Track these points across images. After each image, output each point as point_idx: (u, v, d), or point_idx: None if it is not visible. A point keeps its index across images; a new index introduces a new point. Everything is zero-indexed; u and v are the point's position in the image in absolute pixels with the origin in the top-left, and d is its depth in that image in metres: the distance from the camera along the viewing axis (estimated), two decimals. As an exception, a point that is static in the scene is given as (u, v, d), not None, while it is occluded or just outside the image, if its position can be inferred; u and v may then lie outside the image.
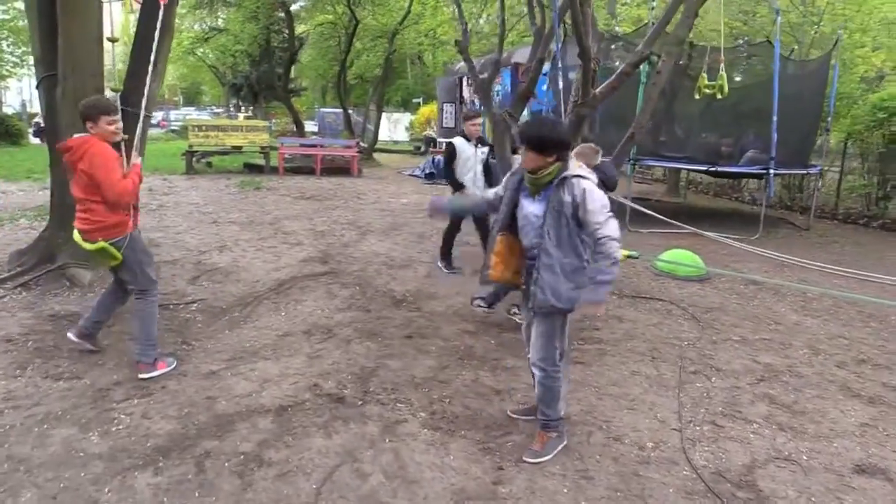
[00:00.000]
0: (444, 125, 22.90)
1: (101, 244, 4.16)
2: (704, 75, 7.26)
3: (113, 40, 6.32)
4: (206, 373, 4.33)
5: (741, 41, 15.00)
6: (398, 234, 8.95)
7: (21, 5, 23.55)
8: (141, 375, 4.20)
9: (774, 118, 9.45)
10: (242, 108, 36.93)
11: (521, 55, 17.14)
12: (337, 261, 7.29)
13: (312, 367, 4.50)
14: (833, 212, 12.68)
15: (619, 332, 5.56)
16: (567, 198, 3.24)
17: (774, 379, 4.73)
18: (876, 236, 10.91)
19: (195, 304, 5.75)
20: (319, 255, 7.50)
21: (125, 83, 6.48)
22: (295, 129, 20.56)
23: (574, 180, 3.25)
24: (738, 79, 11.93)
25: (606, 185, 5.10)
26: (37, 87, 6.56)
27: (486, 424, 3.86)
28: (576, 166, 3.34)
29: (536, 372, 3.58)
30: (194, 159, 14.96)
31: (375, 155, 20.32)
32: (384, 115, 24.87)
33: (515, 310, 5.78)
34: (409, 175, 16.54)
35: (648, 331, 5.61)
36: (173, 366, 4.38)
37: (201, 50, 28.39)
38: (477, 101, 20.25)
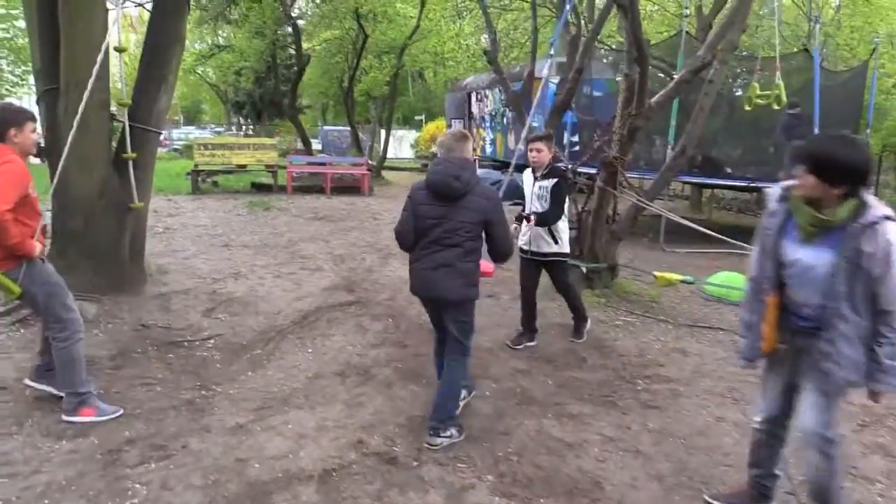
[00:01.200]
0: (453, 142, 22.38)
1: None
2: (756, 84, 6.75)
3: (121, 50, 5.80)
4: (232, 427, 3.74)
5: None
6: (422, 258, 8.37)
7: (22, 24, 23.14)
8: (63, 417, 3.69)
9: (816, 130, 8.93)
10: (244, 126, 36.53)
11: (538, 69, 16.68)
12: (363, 288, 6.70)
13: (353, 418, 3.91)
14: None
15: (686, 368, 4.98)
16: (869, 248, 2.49)
17: (878, 424, 4.15)
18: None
19: (212, 341, 5.16)
20: (343, 282, 6.91)
21: (133, 98, 5.95)
22: (300, 147, 20.04)
23: (882, 226, 2.48)
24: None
25: None
26: (37, 103, 6.01)
27: (566, 489, 3.27)
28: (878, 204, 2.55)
29: (814, 441, 2.80)
30: (200, 179, 14.40)
31: (383, 173, 19.78)
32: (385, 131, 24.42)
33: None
34: (421, 193, 15.98)
35: (719, 367, 5.03)
36: (110, 416, 3.75)
37: (201, 68, 27.96)
38: (486, 117, 19.79)
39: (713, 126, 11.06)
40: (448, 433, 3.65)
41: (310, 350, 5.05)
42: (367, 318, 5.75)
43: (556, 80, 15.55)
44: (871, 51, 10.44)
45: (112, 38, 5.34)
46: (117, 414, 3.78)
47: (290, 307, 5.95)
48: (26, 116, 3.58)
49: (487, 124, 19.84)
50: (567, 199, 5.17)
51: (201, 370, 4.62)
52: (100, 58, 5.00)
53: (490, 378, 4.61)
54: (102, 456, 3.35)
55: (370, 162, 17.66)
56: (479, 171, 16.11)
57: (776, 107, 6.91)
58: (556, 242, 5.14)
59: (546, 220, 5.07)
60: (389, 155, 22.07)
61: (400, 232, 3.82)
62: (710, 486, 3.35)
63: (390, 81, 19.41)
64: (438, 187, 3.63)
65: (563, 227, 5.14)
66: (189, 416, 3.85)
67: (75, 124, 5.35)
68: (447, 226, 3.63)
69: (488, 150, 19.86)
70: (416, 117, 38.86)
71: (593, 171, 8.98)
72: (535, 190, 5.17)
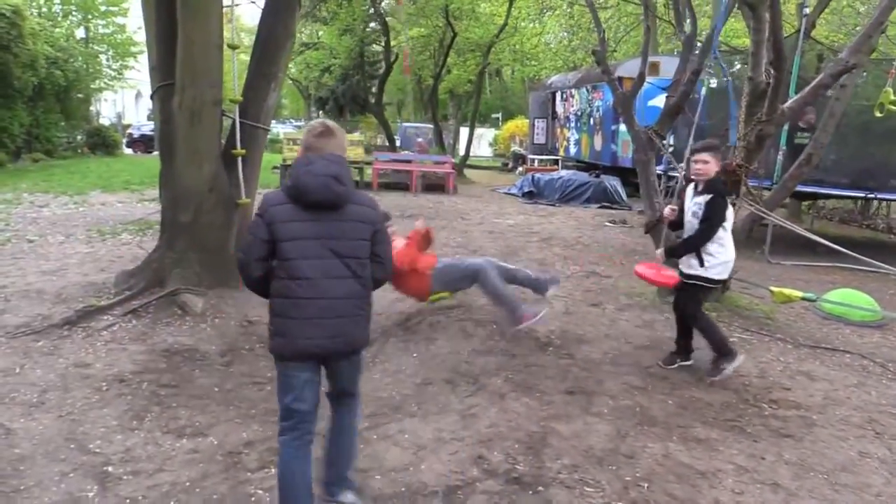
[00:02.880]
0: (536, 141, 22.14)
1: None
2: (889, 90, 6.25)
3: (234, 47, 5.84)
4: (347, 433, 3.64)
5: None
6: (517, 261, 8.15)
7: (121, 20, 24.18)
8: None
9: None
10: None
11: (627, 69, 16.22)
12: (463, 292, 6.56)
13: (469, 430, 3.76)
14: None
15: (815, 393, 4.62)
16: None
17: None
18: None
19: (316, 340, 5.12)
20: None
21: (243, 94, 5.98)
22: (386, 143, 20.17)
23: None
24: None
25: None
26: (151, 97, 6.13)
27: (706, 525, 3.02)
28: None
29: None
30: (288, 173, 14.64)
31: (465, 171, 19.70)
32: (464, 129, 24.32)
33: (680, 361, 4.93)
34: (505, 193, 15.79)
35: (853, 394, 4.64)
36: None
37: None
38: (571, 117, 19.40)
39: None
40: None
41: (415, 355, 4.94)
42: (471, 324, 5.59)
43: (654, 80, 15.08)
44: None
45: (227, 34, 5.39)
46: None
47: (391, 308, 5.86)
48: None
49: (572, 124, 19.46)
50: (723, 220, 4.52)
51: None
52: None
53: (605, 394, 4.38)
54: (223, 457, 3.32)
55: (453, 160, 17.60)
56: (565, 173, 15.80)
57: (911, 115, 6.41)
58: (701, 265, 4.57)
59: (682, 248, 4.68)
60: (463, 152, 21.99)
61: (244, 262, 2.79)
62: (866, 531, 3.04)
63: (475, 79, 19.28)
64: (314, 193, 2.68)
65: (714, 249, 4.55)
66: (303, 419, 3.79)
67: (189, 119, 5.43)
68: (334, 246, 2.73)
69: (572, 150, 19.49)
70: (493, 115, 38.68)
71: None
72: (691, 206, 4.65)
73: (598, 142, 17.58)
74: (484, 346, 5.15)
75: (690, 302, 4.75)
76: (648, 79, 16.09)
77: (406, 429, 3.73)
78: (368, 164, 15.59)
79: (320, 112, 34.12)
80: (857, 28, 16.78)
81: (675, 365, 4.90)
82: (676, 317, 4.97)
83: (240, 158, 5.85)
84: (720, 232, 4.52)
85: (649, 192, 6.68)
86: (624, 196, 14.45)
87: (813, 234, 6.50)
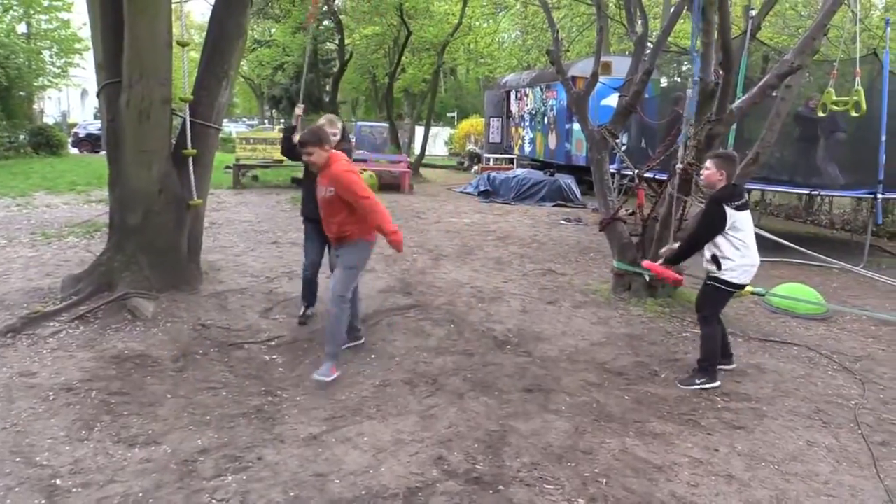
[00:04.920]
0: (491, 140, 22.24)
1: None
2: (832, 90, 6.46)
3: (184, 44, 5.71)
4: (305, 437, 3.60)
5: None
6: (474, 260, 8.20)
7: (65, 15, 23.41)
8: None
9: (883, 137, 8.59)
10: (277, 120, 36.63)
11: (580, 68, 16.41)
12: (420, 291, 6.55)
13: (429, 431, 3.75)
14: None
15: (766, 385, 4.74)
16: None
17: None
18: None
19: (273, 342, 5.05)
20: (398, 284, 6.76)
21: (194, 93, 5.85)
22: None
23: None
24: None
25: None
26: (97, 95, 5.94)
27: (663, 518, 3.07)
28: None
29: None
30: (241, 173, 14.38)
31: (421, 170, 19.66)
32: (420, 128, 24.28)
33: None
34: (462, 192, 15.80)
35: (801, 385, 4.78)
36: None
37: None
38: (526, 116, 19.55)
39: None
40: None
41: (373, 356, 4.91)
42: (428, 324, 5.59)
43: (606, 80, 15.27)
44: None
45: (176, 32, 5.25)
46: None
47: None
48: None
49: (527, 123, 19.61)
50: (716, 227, 4.49)
51: (265, 374, 4.50)
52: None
53: (563, 391, 4.43)
54: (177, 466, 3.24)
55: (408, 159, 17.54)
56: (521, 171, 15.89)
57: (854, 114, 6.60)
58: (718, 268, 4.55)
59: (676, 255, 4.78)
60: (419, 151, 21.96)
61: None
62: (815, 519, 3.13)
63: (430, 78, 19.25)
64: None
65: (731, 252, 4.50)
66: (260, 424, 3.73)
67: (137, 118, 5.29)
68: None
69: (527, 149, 19.63)
70: (449, 114, 38.75)
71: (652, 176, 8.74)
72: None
73: (552, 140, 17.75)
74: (442, 345, 5.15)
75: (705, 300, 4.74)
76: (601, 78, 16.34)
77: (365, 431, 3.70)
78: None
79: (273, 111, 33.68)
80: (801, 30, 17.33)
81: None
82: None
83: (191, 158, 5.73)
84: (738, 235, 4.47)
85: (603, 191, 6.77)
86: (578, 194, 14.61)
87: (760, 229, 6.67)
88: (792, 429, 4.08)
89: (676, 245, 4.90)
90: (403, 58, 19.33)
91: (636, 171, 6.38)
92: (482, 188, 15.03)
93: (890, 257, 10.07)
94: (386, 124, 22.25)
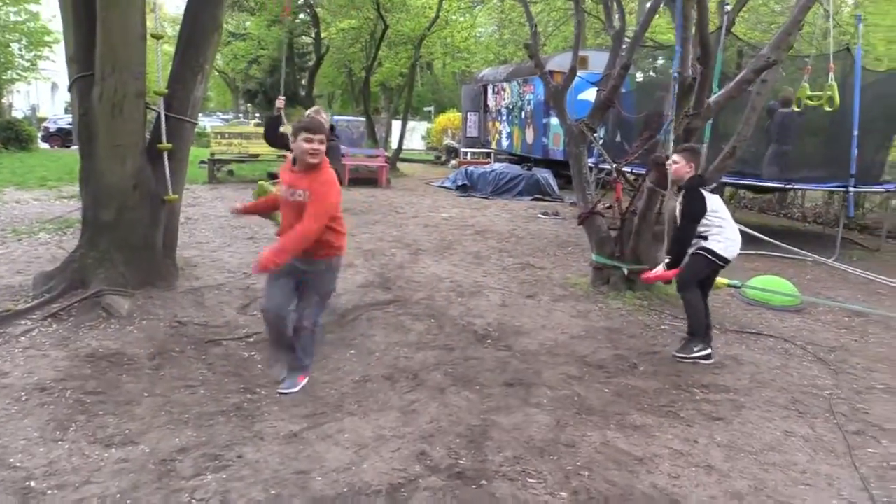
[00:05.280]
0: (468, 134, 22.22)
1: None
2: (806, 85, 6.54)
3: (158, 37, 5.61)
4: (286, 434, 3.56)
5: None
6: (452, 254, 8.19)
7: (34, 7, 22.91)
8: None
9: (855, 132, 8.71)
10: (252, 115, 36.28)
11: (557, 63, 16.45)
12: (399, 286, 6.52)
13: (410, 427, 3.73)
14: (893, 232, 11.89)
15: (743, 377, 4.80)
16: None
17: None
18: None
19: (251, 338, 5.00)
20: (377, 279, 6.73)
21: (169, 86, 5.76)
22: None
23: None
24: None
25: None
26: (69, 89, 5.81)
27: (645, 509, 3.09)
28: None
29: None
30: (216, 168, 14.21)
31: (398, 164, 19.60)
32: (397, 122, 24.18)
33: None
34: (439, 186, 15.78)
35: (777, 376, 4.84)
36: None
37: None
38: (503, 110, 19.55)
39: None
40: None
41: (353, 351, 4.88)
42: (408, 318, 5.57)
43: (583, 74, 15.31)
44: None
45: (150, 24, 5.16)
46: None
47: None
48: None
49: (504, 117, 19.62)
50: (702, 211, 4.68)
51: (243, 371, 4.45)
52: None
53: (544, 385, 4.43)
54: (155, 466, 3.18)
55: (385, 153, 17.47)
56: (498, 166, 15.90)
57: (828, 108, 6.69)
58: (705, 239, 4.77)
59: (674, 248, 4.82)
60: (395, 145, 21.88)
61: None
62: (794, 508, 3.17)
63: (406, 72, 19.17)
64: None
65: (715, 232, 4.73)
66: (239, 422, 3.68)
67: (110, 112, 5.20)
68: None
69: (504, 143, 19.65)
70: (426, 108, 38.64)
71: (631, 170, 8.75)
72: (676, 206, 4.88)
73: (529, 135, 17.78)
74: (422, 340, 5.13)
75: (689, 269, 4.83)
76: (578, 73, 16.38)
77: (346, 427, 3.67)
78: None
79: (248, 105, 33.33)
80: (773, 25, 17.53)
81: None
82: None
83: (166, 153, 5.64)
84: (717, 215, 4.71)
85: (581, 185, 6.79)
86: (556, 188, 14.66)
87: (736, 223, 6.74)
88: (769, 419, 4.13)
89: (666, 260, 4.94)
90: (380, 52, 19.24)
91: (614, 166, 6.41)
92: (460, 182, 15.02)
93: (861, 250, 10.24)
94: (363, 118, 22.14)
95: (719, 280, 5.86)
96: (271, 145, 5.60)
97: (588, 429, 3.86)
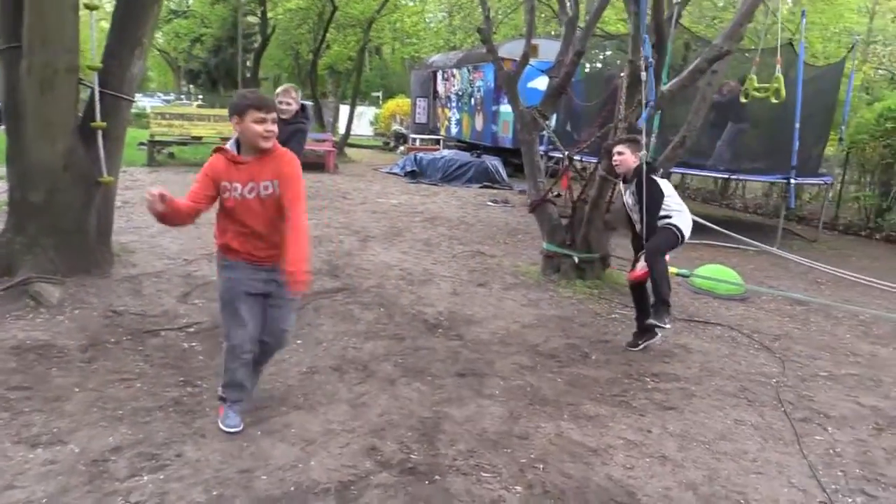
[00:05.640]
0: (417, 121, 22.02)
1: None
2: (753, 77, 6.61)
3: (92, 7, 5.29)
4: (228, 431, 3.39)
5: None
6: (402, 241, 8.05)
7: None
8: None
9: (797, 125, 8.90)
10: (195, 96, 35.16)
11: (507, 50, 16.39)
12: (347, 274, 6.35)
13: (360, 421, 3.60)
14: (833, 223, 12.30)
15: (693, 366, 4.83)
16: None
17: (895, 428, 4.06)
18: (886, 249, 10.52)
19: (191, 329, 4.77)
20: (325, 266, 6.54)
21: (103, 61, 5.43)
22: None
23: None
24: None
25: None
26: (-8, 62, 5.42)
27: (601, 500, 3.05)
28: None
29: None
30: (156, 150, 13.67)
31: (346, 150, 19.27)
32: (345, 107, 23.74)
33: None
34: (388, 172, 15.58)
35: (726, 364, 4.89)
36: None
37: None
38: (452, 97, 19.43)
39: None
40: None
41: (299, 341, 4.70)
42: (357, 307, 5.42)
43: (533, 62, 15.25)
44: (850, 48, 10.48)
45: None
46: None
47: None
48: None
49: (453, 104, 19.49)
50: (660, 195, 4.73)
51: (183, 363, 4.23)
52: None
53: (496, 375, 4.36)
54: (86, 467, 2.97)
55: (332, 138, 17.14)
56: (448, 152, 15.78)
57: (774, 100, 6.79)
58: (668, 217, 4.78)
59: (649, 234, 4.78)
60: (344, 129, 21.53)
61: None
62: (746, 495, 3.17)
63: (355, 56, 18.82)
64: None
65: (670, 209, 4.78)
66: (178, 418, 3.48)
67: (39, 87, 4.88)
68: None
69: (454, 130, 19.54)
70: (374, 94, 38.18)
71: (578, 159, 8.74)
72: (626, 196, 4.93)
73: (478, 122, 17.71)
74: (371, 330, 4.99)
75: (661, 239, 4.77)
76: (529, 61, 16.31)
77: (292, 422, 3.52)
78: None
79: (191, 86, 32.31)
80: (717, 21, 17.87)
81: (641, 346, 5.00)
82: (634, 297, 5.12)
83: (100, 132, 5.32)
84: (671, 203, 4.75)
85: (533, 172, 6.73)
86: (505, 176, 14.65)
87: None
88: (720, 408, 4.15)
89: (642, 261, 4.90)
90: (328, 34, 18.82)
91: (565, 154, 6.37)
92: (409, 169, 14.86)
93: (800, 240, 10.53)
94: (310, 102, 21.65)
95: (669, 269, 5.90)
96: None
97: (542, 420, 3.80)
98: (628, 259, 7.30)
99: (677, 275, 6.05)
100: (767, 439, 3.78)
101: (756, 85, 6.59)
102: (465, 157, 14.89)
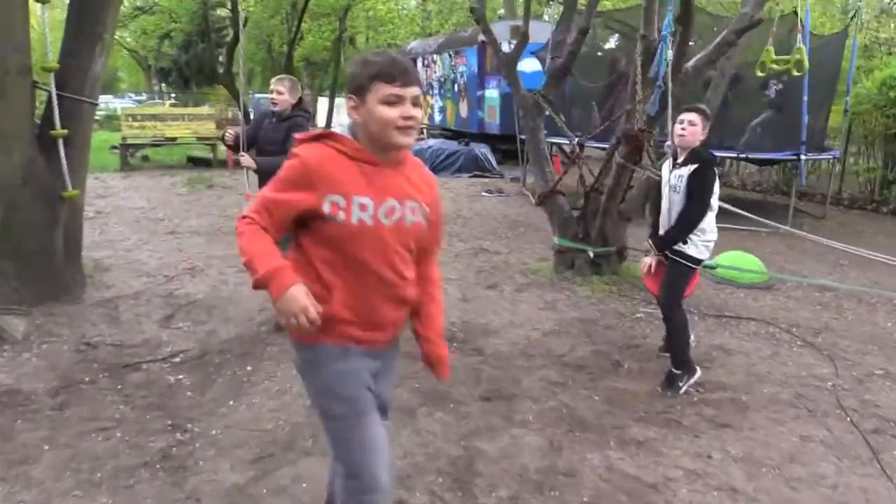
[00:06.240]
0: (399, 110, 21.37)
1: None
2: (771, 48, 6.14)
3: (43, 1, 4.69)
4: (228, 490, 2.87)
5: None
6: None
7: None
8: None
9: (805, 98, 8.45)
10: (168, 94, 34.28)
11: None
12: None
13: (381, 465, 3.09)
14: (837, 197, 11.91)
15: (737, 370, 4.36)
16: None
17: None
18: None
19: (177, 359, 4.23)
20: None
21: (60, 61, 4.83)
22: (238, 117, 18.62)
23: None
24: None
25: None
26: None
27: (675, 556, 2.57)
28: None
29: None
30: (129, 153, 13.01)
31: (326, 144, 18.62)
32: (323, 100, 23.08)
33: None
34: (373, 166, 14.97)
35: (772, 367, 4.43)
36: None
37: (117, 34, 25.72)
38: (434, 84, 18.85)
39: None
40: None
41: (300, 367, 4.17)
42: (361, 322, 4.90)
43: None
44: (852, 16, 10.06)
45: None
46: None
47: (264, 313, 5.00)
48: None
49: (436, 91, 18.90)
50: (713, 195, 3.85)
51: (169, 401, 3.70)
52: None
53: (526, 396, 3.87)
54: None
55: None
56: (434, 142, 15.22)
57: (796, 73, 6.33)
58: (685, 243, 3.87)
59: (674, 237, 3.88)
60: (323, 124, 20.89)
61: None
62: (839, 537, 2.72)
63: (332, 46, 18.17)
64: None
65: (705, 222, 3.86)
66: (167, 477, 2.96)
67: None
68: None
69: (437, 118, 18.97)
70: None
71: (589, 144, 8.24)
72: (670, 179, 3.89)
73: (463, 108, 17.15)
74: (381, 348, 4.47)
75: (674, 285, 3.98)
76: (511, 42, 15.75)
77: (303, 475, 3.00)
78: (222, 140, 14.19)
79: (162, 85, 31.41)
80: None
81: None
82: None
83: (61, 140, 4.74)
84: (714, 204, 3.90)
85: (540, 161, 6.24)
86: (494, 163, 14.15)
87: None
88: (780, 422, 3.69)
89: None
90: (303, 24, 18.14)
91: (576, 140, 5.88)
92: (396, 161, 14.28)
93: (809, 217, 10.13)
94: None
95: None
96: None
97: (586, 450, 3.32)
98: (645, 252, 6.81)
99: (704, 268, 5.59)
100: (842, 458, 3.33)
101: (774, 56, 6.12)
102: (453, 145, 14.35)
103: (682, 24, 4.43)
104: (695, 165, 3.79)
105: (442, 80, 18.39)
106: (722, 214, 4.19)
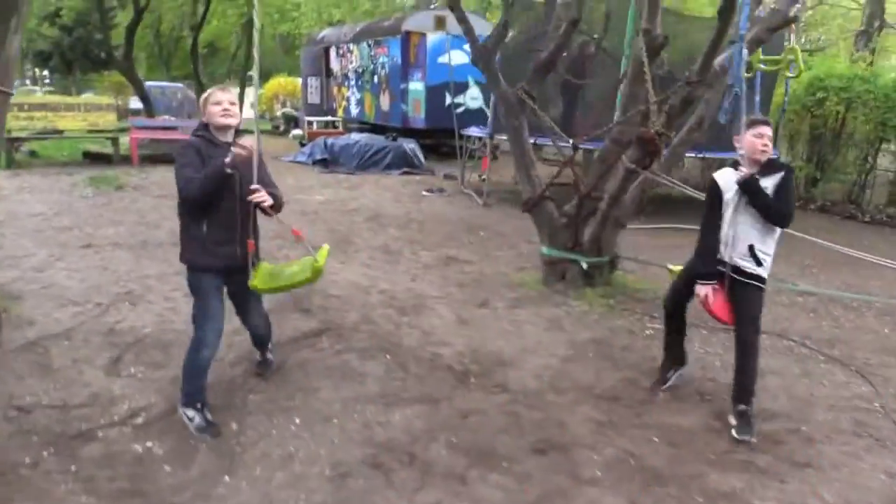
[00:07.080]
0: (310, 101, 20.33)
1: None
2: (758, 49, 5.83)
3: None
4: None
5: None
6: (356, 251, 6.76)
7: None
8: None
9: (757, 98, 8.36)
10: (42, 82, 31.32)
11: (415, 23, 15.18)
12: (319, 306, 5.04)
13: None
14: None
15: (779, 395, 4.01)
16: None
17: None
18: (824, 220, 10.35)
19: (139, 418, 3.37)
20: (285, 295, 5.12)
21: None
22: (131, 106, 16.96)
23: None
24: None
25: None
26: None
27: None
28: None
29: None
30: (14, 147, 11.38)
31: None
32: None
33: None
34: (292, 162, 13.96)
35: (812, 389, 4.12)
36: None
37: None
38: (350, 74, 17.96)
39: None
40: None
41: (297, 420, 3.43)
42: (355, 357, 4.16)
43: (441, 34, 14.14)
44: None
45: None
46: None
47: (234, 348, 4.15)
48: None
49: (352, 82, 17.99)
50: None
51: (145, 483, 2.87)
52: None
53: (580, 445, 3.31)
54: None
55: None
56: (360, 137, 14.35)
57: (789, 75, 6.09)
58: (759, 264, 3.51)
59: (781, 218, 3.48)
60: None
61: None
62: None
63: (239, 31, 16.89)
64: None
65: (770, 244, 3.55)
66: None
67: None
68: None
69: (354, 111, 18.06)
70: (249, 73, 35.55)
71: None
72: (738, 201, 3.47)
73: (384, 101, 16.38)
74: (388, 390, 3.79)
75: (757, 311, 3.57)
76: (438, 34, 15.17)
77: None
78: (124, 132, 12.74)
79: (37, 70, 28.55)
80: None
81: (670, 382, 3.99)
82: (671, 319, 4.00)
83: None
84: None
85: (525, 164, 5.69)
86: (422, 159, 13.53)
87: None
88: (855, 455, 3.35)
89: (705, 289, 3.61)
90: (202, 7, 16.70)
91: (570, 143, 5.37)
92: (318, 157, 13.38)
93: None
94: (179, 85, 19.40)
95: (673, 267, 4.92)
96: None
97: (671, 509, 2.81)
98: (638, 261, 6.37)
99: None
100: (943, 499, 3.00)
101: (762, 57, 5.85)
102: (381, 141, 13.59)
103: (722, 18, 3.98)
104: (780, 174, 3.45)
105: (359, 70, 17.51)
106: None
